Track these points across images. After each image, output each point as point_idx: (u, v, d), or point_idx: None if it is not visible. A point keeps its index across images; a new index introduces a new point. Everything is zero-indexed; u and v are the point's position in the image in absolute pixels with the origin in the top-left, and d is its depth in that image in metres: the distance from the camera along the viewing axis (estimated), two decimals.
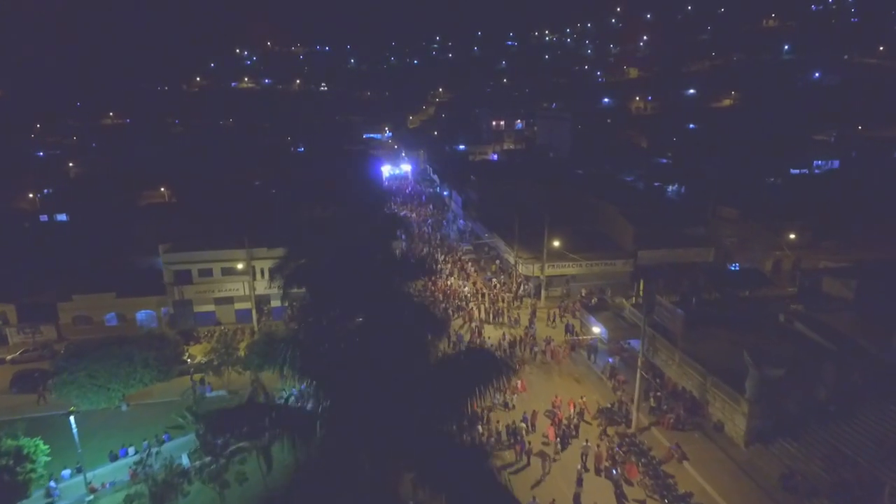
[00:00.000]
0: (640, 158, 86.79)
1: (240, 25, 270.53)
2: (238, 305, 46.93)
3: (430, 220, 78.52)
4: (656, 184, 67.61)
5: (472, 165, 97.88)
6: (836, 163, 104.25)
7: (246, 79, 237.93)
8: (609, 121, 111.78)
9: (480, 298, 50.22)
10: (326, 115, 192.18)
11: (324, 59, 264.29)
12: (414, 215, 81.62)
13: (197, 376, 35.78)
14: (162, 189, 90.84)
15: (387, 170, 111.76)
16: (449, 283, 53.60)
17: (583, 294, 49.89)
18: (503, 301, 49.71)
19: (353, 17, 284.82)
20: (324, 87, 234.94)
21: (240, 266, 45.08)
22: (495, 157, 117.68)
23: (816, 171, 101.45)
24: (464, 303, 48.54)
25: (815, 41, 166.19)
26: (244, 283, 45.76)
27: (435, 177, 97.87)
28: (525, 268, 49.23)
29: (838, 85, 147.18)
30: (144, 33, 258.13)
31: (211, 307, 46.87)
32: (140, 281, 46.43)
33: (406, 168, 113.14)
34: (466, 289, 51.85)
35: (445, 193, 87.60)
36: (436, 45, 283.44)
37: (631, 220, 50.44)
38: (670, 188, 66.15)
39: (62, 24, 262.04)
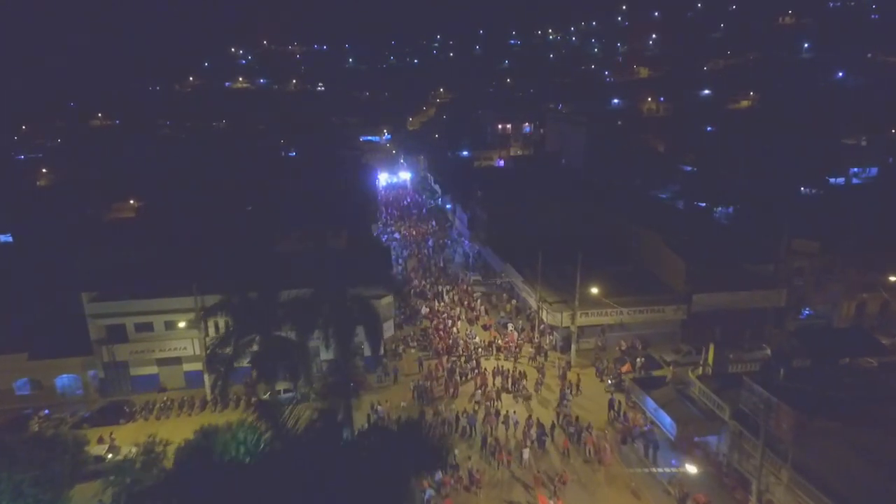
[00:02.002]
0: (667, 169, 75.87)
1: (235, 23, 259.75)
2: (188, 367, 36.35)
3: (430, 240, 67.89)
4: (700, 204, 56.54)
5: (476, 174, 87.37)
6: (874, 170, 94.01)
7: (241, 78, 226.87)
8: (625, 125, 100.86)
9: (495, 352, 39.70)
10: (323, 117, 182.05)
11: (321, 59, 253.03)
12: (413, 232, 71.02)
13: (107, 496, 25.13)
14: (132, 201, 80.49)
15: (384, 178, 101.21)
16: (455, 329, 42.94)
17: (622, 347, 39.35)
18: (524, 354, 39.24)
19: (352, 16, 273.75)
20: (321, 87, 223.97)
21: (182, 324, 34.50)
22: (501, 163, 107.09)
23: (855, 179, 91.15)
24: (474, 361, 37.93)
25: (836, 39, 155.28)
26: (194, 339, 35.15)
27: (436, 186, 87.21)
28: (552, 316, 38.60)
29: (863, 85, 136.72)
30: (137, 31, 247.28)
31: (153, 369, 36.29)
32: (70, 332, 35.65)
33: (404, 176, 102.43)
34: (477, 338, 41.20)
35: (448, 207, 76.99)
36: (436, 45, 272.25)
37: (683, 255, 39.81)
38: (718, 209, 54.95)
39: (54, 21, 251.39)
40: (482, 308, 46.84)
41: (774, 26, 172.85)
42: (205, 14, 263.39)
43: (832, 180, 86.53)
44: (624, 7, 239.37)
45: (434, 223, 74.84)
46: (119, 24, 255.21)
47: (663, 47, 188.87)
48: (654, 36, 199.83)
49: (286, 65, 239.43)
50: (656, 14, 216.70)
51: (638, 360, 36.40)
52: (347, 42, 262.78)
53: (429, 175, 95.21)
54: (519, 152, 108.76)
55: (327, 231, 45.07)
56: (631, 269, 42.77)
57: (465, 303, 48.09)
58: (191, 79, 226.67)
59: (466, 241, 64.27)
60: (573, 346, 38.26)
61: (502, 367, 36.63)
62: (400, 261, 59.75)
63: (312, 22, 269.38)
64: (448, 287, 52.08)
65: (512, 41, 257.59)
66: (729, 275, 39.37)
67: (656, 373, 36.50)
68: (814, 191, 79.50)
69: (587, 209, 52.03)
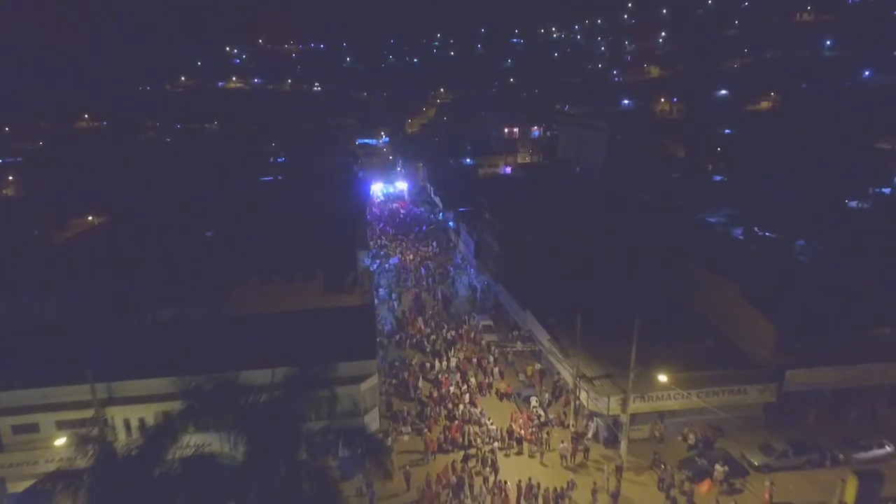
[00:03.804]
0: (702, 182, 65.20)
1: (230, 22, 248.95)
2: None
3: (428, 265, 57.02)
4: (766, 234, 45.08)
5: (481, 185, 76.79)
6: None
7: (234, 78, 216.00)
8: (644, 129, 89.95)
9: (515, 445, 29.11)
10: (318, 118, 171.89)
11: (318, 58, 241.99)
12: (410, 256, 60.26)
13: None
14: (90, 217, 70.16)
15: (378, 188, 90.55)
16: (462, 405, 32.18)
17: (689, 441, 28.75)
18: (555, 439, 28.73)
19: (350, 14, 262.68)
20: (317, 87, 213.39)
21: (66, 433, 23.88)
22: (507, 170, 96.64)
23: None
24: (489, 464, 27.28)
25: (858, 37, 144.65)
26: (97, 443, 24.49)
27: (437, 199, 76.47)
28: (595, 401, 27.95)
29: (892, 85, 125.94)
30: (128, 29, 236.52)
31: None
32: None
33: (402, 186, 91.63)
34: (492, 424, 30.45)
35: (451, 224, 66.28)
36: (436, 43, 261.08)
37: (769, 314, 29.15)
38: (796, 242, 43.22)
39: (43, 19, 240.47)
40: (496, 370, 36.17)
41: (792, 23, 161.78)
42: (199, 12, 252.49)
43: (877, 191, 76.00)
44: (630, 4, 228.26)
45: (435, 244, 64.06)
46: (110, 22, 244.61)
47: (674, 45, 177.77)
48: (663, 34, 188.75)
49: (281, 64, 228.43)
50: (664, 11, 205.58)
51: (717, 467, 25.75)
52: (345, 41, 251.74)
53: (428, 185, 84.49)
54: (527, 159, 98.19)
55: (299, 276, 34.48)
56: (695, 330, 32.03)
57: (475, 360, 37.48)
58: (183, 79, 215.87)
59: (471, 269, 53.71)
60: (624, 442, 27.67)
61: (531, 480, 25.89)
62: (394, 296, 49.09)
63: (309, 20, 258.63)
64: (452, 331, 41.63)
65: (514, 39, 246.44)
66: (832, 342, 28.77)
67: (738, 483, 26.09)
68: (864, 205, 69.15)
69: (626, 240, 41.45)
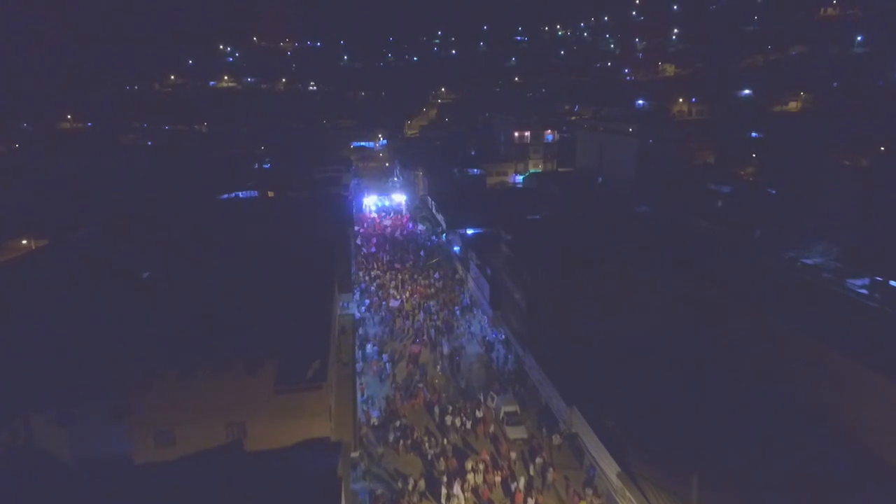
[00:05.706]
0: (765, 202, 53.10)
1: (223, 19, 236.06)
2: None
3: (431, 308, 44.95)
4: None
5: (491, 198, 65.28)
6: None
7: (226, 77, 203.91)
8: (674, 134, 77.75)
9: None
10: (312, 119, 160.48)
11: (314, 56, 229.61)
12: (407, 294, 48.05)
13: None
14: (24, 241, 58.30)
15: (372, 201, 78.45)
16: None
17: None
18: None
19: (348, 11, 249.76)
20: (313, 86, 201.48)
21: None
22: (518, 178, 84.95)
23: None
24: None
25: (890, 31, 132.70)
26: None
27: (440, 216, 64.41)
28: None
29: None
30: (118, 26, 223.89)
31: None
32: None
33: (399, 199, 79.48)
34: None
35: (456, 250, 54.24)
36: (437, 41, 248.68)
37: None
38: None
39: (30, 15, 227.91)
40: (527, 493, 24.16)
41: (816, 18, 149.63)
42: (191, 9, 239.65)
43: None
44: (637, 1, 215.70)
45: (437, 276, 51.91)
46: (100, 19, 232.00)
47: (689, 43, 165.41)
48: (676, 30, 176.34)
49: (276, 62, 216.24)
50: (675, 7, 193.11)
51: None
52: (342, 38, 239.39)
53: (429, 198, 72.43)
54: (539, 167, 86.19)
55: (238, 366, 22.36)
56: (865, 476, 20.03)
57: (499, 478, 25.49)
58: (172, 77, 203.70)
59: (485, 315, 41.76)
60: None
61: None
62: (385, 357, 37.00)
63: (305, 17, 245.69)
64: (469, 420, 29.78)
65: (518, 37, 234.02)
66: None
67: None
68: None
69: (702, 292, 29.43)
